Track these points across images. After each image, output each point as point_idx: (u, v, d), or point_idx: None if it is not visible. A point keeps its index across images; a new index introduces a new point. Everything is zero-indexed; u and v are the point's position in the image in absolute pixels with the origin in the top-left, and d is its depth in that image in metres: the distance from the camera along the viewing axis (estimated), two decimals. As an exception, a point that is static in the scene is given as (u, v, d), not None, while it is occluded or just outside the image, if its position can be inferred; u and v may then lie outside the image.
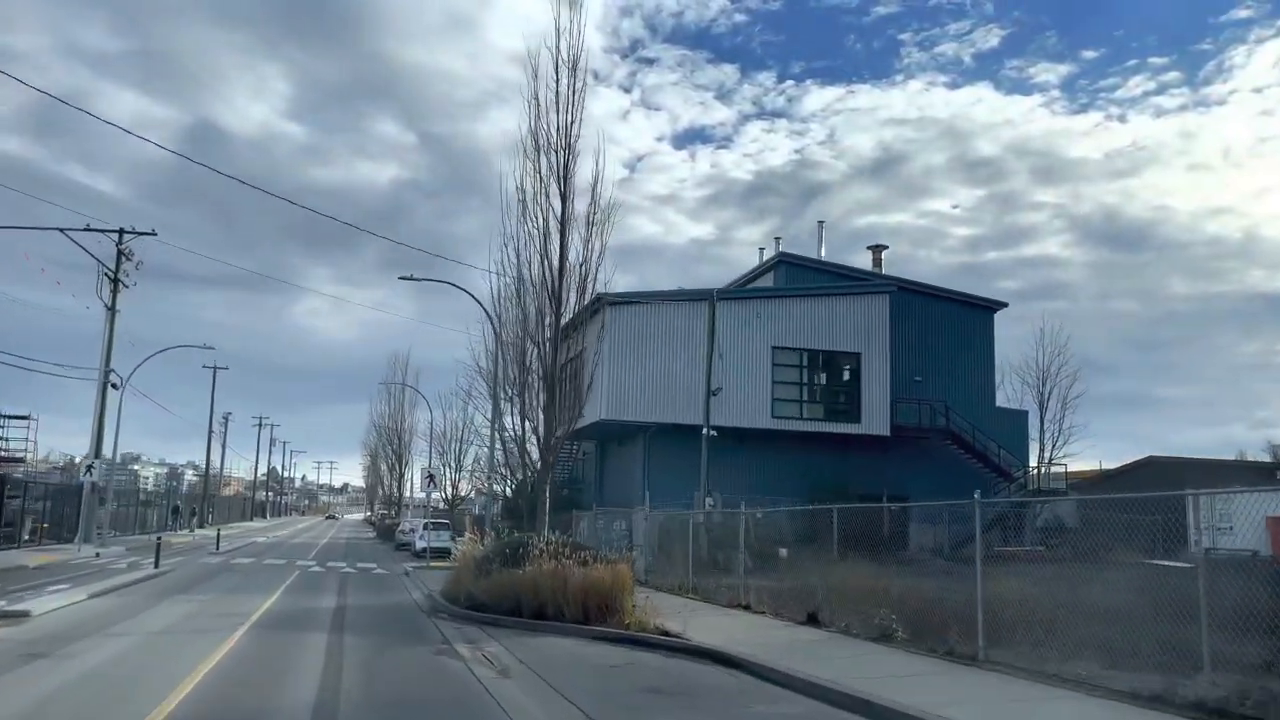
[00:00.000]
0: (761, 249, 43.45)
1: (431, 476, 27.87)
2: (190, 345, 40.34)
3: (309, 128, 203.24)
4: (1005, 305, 42.08)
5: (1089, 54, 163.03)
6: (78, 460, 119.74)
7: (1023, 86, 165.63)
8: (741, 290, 40.74)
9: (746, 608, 16.76)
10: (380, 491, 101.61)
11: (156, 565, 24.68)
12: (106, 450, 39.73)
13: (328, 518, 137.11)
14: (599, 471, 43.55)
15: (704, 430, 32.76)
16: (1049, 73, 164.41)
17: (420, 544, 37.24)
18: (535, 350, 19.44)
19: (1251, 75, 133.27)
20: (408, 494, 65.99)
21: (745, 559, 20.92)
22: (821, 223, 44.04)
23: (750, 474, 36.71)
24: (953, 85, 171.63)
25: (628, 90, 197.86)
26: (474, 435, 55.77)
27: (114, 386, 40.68)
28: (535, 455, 43.08)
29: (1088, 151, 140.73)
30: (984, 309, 41.36)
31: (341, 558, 36.00)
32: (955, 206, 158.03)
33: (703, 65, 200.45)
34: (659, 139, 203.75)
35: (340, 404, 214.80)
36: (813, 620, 14.76)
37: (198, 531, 61.03)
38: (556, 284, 18.64)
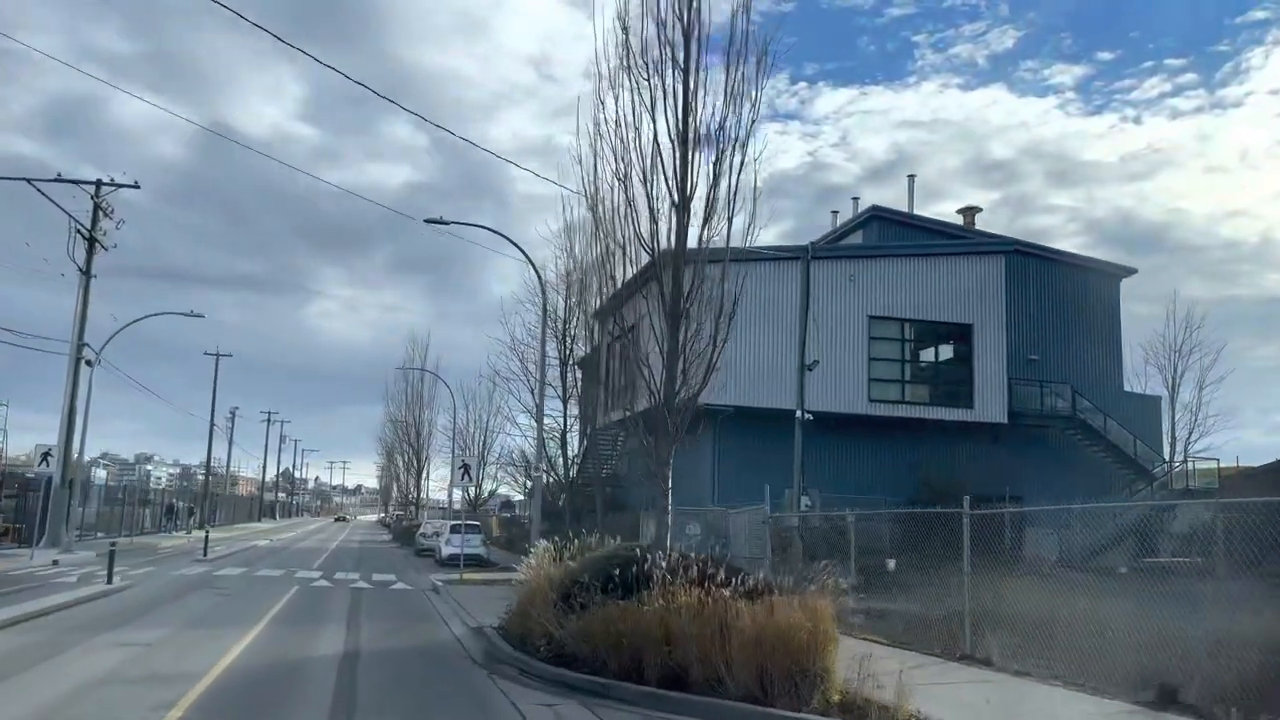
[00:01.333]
0: (855, 198, 37.18)
1: (466, 467, 21.91)
2: (177, 313, 34.62)
3: (321, 129, 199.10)
4: (1134, 271, 35.76)
5: (1104, 55, 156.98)
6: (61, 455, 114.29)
7: (1037, 88, 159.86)
8: (837, 247, 34.48)
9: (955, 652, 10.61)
10: (395, 492, 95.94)
11: (110, 580, 18.72)
12: (87, 441, 33.95)
13: (337, 520, 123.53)
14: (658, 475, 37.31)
15: (798, 414, 26.64)
16: (1064, 74, 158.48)
17: (448, 550, 31.27)
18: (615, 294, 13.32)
19: (1269, 77, 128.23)
20: (426, 494, 60.03)
21: (853, 572, 16.47)
22: (912, 176, 37.83)
23: (841, 468, 30.56)
24: (967, 87, 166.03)
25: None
26: (500, 425, 49.79)
27: (88, 364, 34.87)
28: (575, 448, 37.08)
29: (1103, 154, 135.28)
30: (1108, 275, 35.02)
31: (353, 566, 30.02)
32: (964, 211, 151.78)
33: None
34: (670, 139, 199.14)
35: (353, 405, 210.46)
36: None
37: (197, 533, 55.31)
38: (682, 162, 12.41)
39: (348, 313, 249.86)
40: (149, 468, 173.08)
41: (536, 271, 25.35)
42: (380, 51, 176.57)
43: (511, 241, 24.81)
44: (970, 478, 28.60)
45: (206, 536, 30.23)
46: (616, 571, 11.03)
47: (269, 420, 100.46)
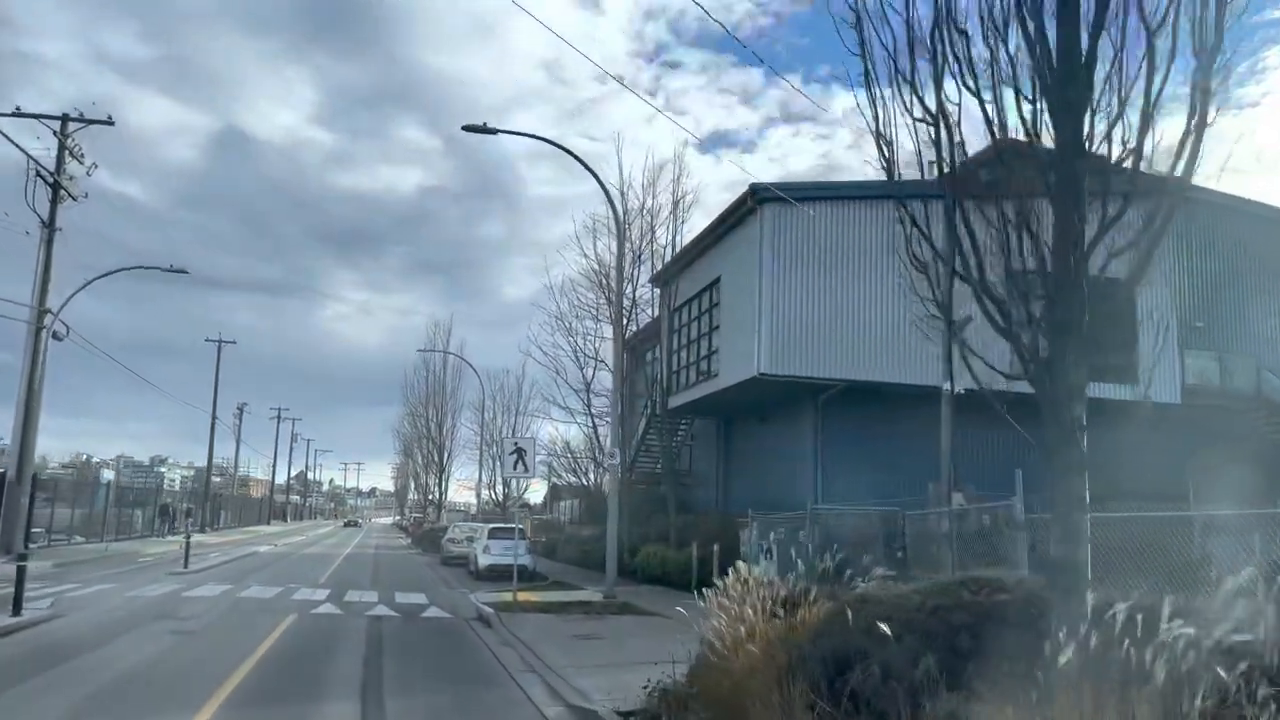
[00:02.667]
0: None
1: (520, 452, 15.94)
2: (155, 267, 28.79)
3: (336, 133, 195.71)
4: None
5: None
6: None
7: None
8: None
9: None
10: (412, 493, 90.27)
11: (17, 608, 12.81)
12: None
13: (347, 524, 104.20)
14: (722, 459, 31.34)
15: (945, 386, 20.45)
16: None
17: (487, 560, 25.36)
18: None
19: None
20: (447, 494, 54.10)
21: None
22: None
23: (979, 456, 24.52)
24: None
25: (653, 94, 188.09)
26: (534, 415, 43.86)
27: (56, 337, 29.14)
28: (636, 432, 30.87)
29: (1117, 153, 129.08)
30: (1283, 226, 28.66)
31: (368, 582, 24.09)
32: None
33: (727, 69, 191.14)
34: (684, 143, 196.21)
35: (366, 409, 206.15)
36: None
37: (198, 537, 49.61)
38: None
39: (361, 316, 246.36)
40: (162, 469, 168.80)
41: (599, 180, 19.39)
42: (391, 55, 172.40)
43: (569, 152, 18.88)
44: (1131, 473, 22.57)
45: (188, 544, 24.38)
46: (964, 635, 4.96)
47: (279, 417, 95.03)
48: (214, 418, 57.84)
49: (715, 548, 19.68)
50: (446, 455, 51.68)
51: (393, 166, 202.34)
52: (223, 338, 59.22)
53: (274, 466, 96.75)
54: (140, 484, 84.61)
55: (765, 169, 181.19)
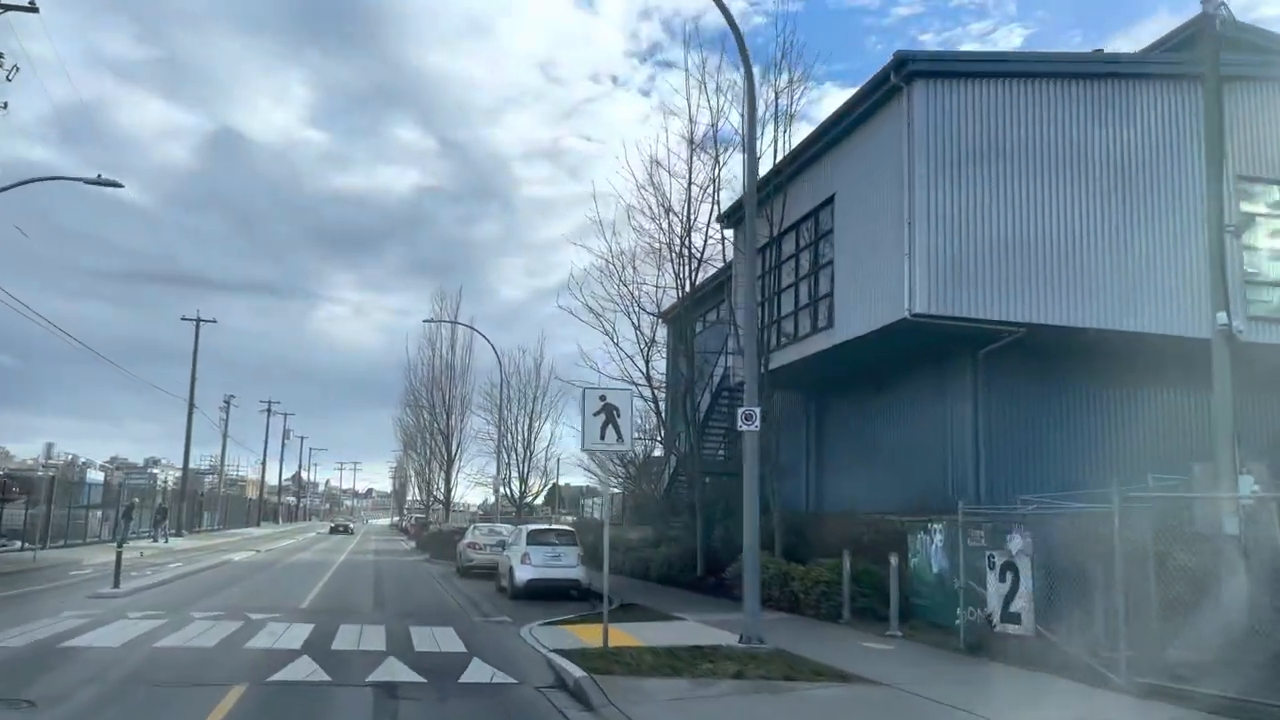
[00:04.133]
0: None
1: (610, 411, 9.07)
2: (81, 180, 22.10)
3: (330, 134, 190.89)
4: None
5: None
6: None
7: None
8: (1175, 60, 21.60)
9: None
10: (413, 491, 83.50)
11: None
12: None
13: (334, 530, 77.12)
14: (812, 443, 24.75)
15: (1220, 320, 13.67)
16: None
17: (526, 573, 18.80)
18: None
19: None
20: (456, 489, 47.27)
21: None
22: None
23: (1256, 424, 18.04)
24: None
25: (646, 94, 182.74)
26: (558, 396, 37.27)
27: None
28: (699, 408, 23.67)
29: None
30: None
31: (369, 607, 17.46)
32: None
33: (722, 68, 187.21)
34: (680, 140, 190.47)
35: (362, 410, 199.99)
36: None
37: (174, 542, 43.08)
38: None
39: (357, 317, 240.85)
40: (155, 470, 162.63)
41: (727, 13, 12.75)
42: (385, 54, 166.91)
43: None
44: None
45: (119, 560, 17.58)
46: None
47: (269, 410, 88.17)
48: (191, 406, 51.08)
49: (894, 561, 13.08)
50: (455, 446, 44.93)
51: (388, 167, 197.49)
52: (201, 317, 52.40)
53: (264, 463, 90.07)
54: (133, 484, 77.61)
55: (760, 166, 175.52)
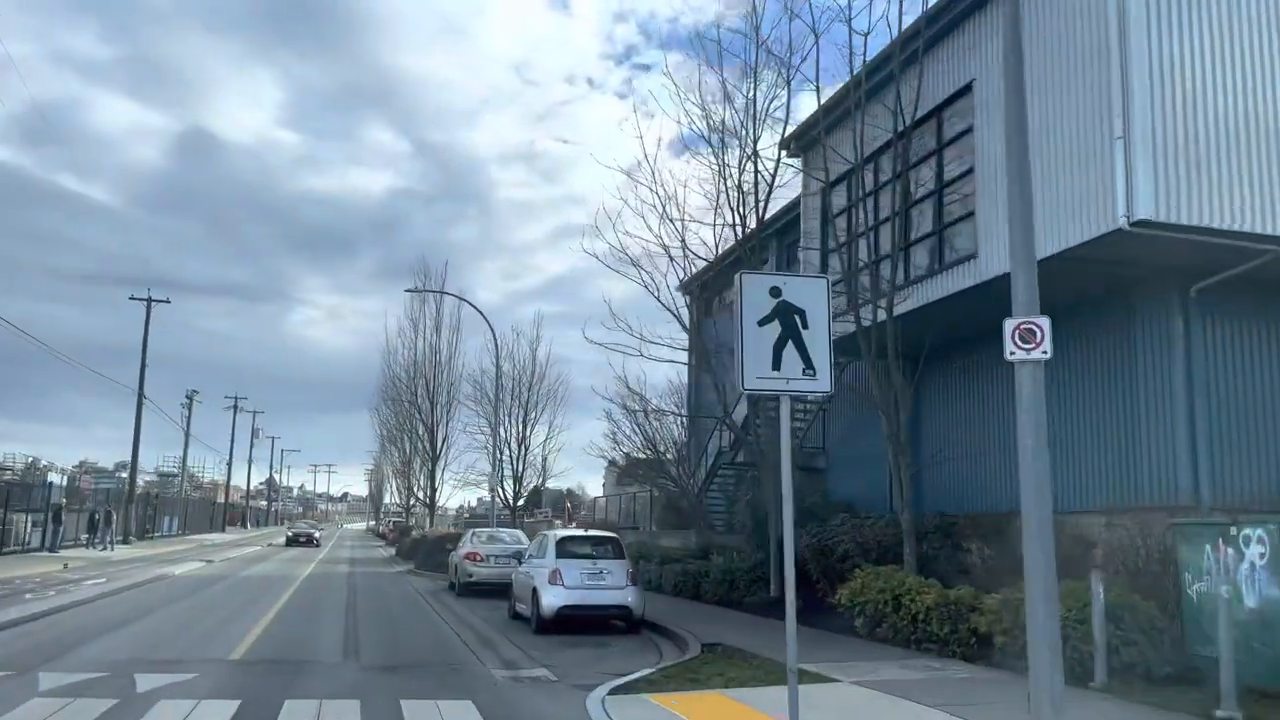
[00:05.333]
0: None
1: (790, 310, 4.37)
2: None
3: (303, 135, 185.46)
4: None
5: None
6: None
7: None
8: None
9: None
10: (390, 494, 77.68)
11: None
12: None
13: (292, 540, 55.21)
14: (907, 424, 19.60)
15: None
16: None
17: (555, 597, 13.52)
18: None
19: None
20: (442, 488, 41.59)
21: None
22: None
23: None
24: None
25: (623, 97, 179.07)
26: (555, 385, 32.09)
27: None
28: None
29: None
30: None
31: (338, 653, 12.04)
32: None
33: (698, 71, 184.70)
34: (657, 143, 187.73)
35: (337, 414, 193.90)
36: None
37: (113, 550, 37.35)
38: None
39: (331, 320, 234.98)
40: (123, 475, 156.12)
41: None
42: (359, 56, 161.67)
43: None
44: None
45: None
46: None
47: (235, 407, 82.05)
48: (140, 396, 45.11)
49: (1191, 590, 7.87)
50: (442, 441, 39.34)
51: (361, 169, 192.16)
52: (152, 295, 46.52)
53: (229, 463, 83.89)
54: (104, 489, 71.25)
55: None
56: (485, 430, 34.82)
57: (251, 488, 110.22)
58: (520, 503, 35.28)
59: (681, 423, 23.26)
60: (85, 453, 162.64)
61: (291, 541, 53.99)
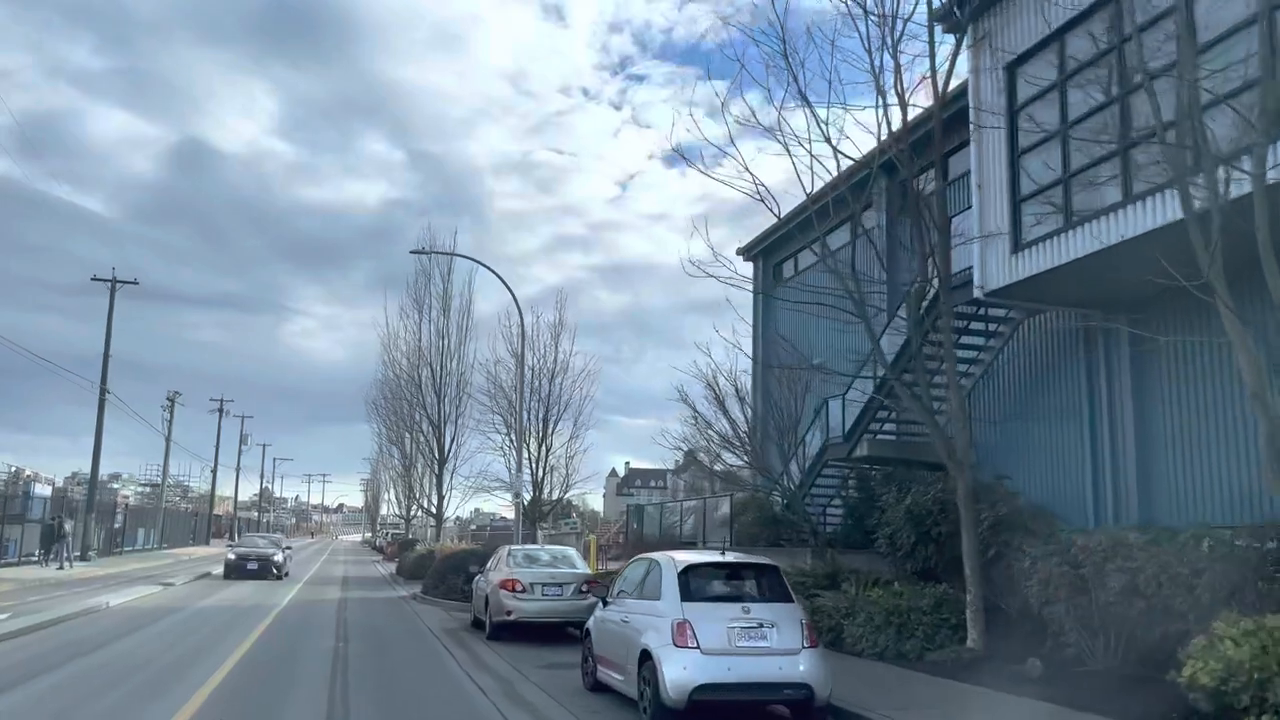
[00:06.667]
0: None
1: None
2: None
3: (298, 146, 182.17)
4: None
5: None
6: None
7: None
8: None
9: None
10: (388, 505, 71.60)
11: None
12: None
13: (234, 569, 29.32)
14: (1112, 400, 13.97)
15: None
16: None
17: (687, 676, 7.62)
18: None
19: None
20: (448, 496, 35.64)
21: None
22: None
23: None
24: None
25: (618, 108, 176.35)
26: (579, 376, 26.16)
27: None
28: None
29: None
30: None
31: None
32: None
33: (693, 82, 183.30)
34: (649, 157, 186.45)
35: (333, 425, 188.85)
36: None
37: (71, 568, 31.62)
38: None
39: (327, 331, 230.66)
40: (115, 485, 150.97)
41: None
42: (353, 66, 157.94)
43: None
44: None
45: None
46: None
47: (221, 410, 76.15)
48: (103, 391, 39.21)
49: None
50: (450, 440, 33.55)
51: (357, 180, 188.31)
52: (116, 279, 40.74)
53: (215, 471, 77.88)
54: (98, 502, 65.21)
55: (732, 181, 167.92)
56: (501, 429, 29.26)
57: (245, 499, 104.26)
58: (548, 510, 29.55)
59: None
60: (79, 464, 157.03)
61: (232, 571, 29.54)
